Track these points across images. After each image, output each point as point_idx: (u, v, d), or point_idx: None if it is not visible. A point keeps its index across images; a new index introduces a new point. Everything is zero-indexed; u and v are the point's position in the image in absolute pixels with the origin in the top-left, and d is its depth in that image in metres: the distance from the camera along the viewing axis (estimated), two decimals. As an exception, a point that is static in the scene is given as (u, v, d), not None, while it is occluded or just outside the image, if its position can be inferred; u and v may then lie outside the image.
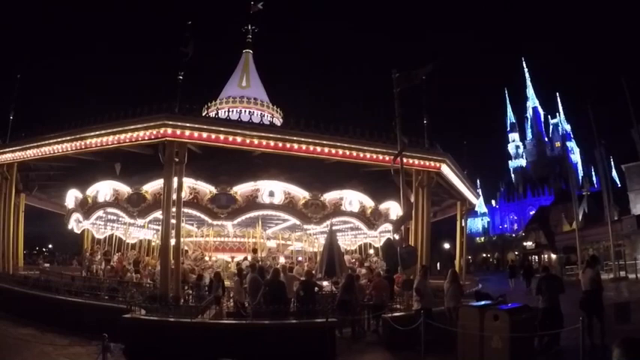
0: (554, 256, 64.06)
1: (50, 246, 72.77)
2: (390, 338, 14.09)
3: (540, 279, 13.83)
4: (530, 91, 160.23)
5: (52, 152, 20.63)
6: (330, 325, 13.04)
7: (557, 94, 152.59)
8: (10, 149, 22.60)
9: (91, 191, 22.17)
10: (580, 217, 51.22)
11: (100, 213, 22.30)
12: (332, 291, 17.75)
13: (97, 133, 18.56)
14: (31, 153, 21.61)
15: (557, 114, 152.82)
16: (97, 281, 19.73)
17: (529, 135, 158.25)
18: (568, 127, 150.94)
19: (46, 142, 20.62)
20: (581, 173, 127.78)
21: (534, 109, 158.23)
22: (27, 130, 22.32)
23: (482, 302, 13.20)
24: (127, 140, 17.86)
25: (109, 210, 21.81)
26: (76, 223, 24.90)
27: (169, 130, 16.76)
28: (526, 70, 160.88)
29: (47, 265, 34.27)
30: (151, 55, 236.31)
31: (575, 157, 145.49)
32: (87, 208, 22.43)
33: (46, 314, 16.21)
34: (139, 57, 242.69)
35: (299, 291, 15.40)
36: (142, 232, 26.32)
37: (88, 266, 23.95)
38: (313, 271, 19.22)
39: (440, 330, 12.04)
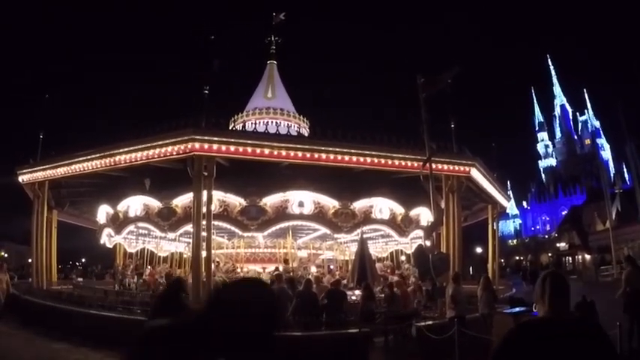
0: (588, 257, 63.13)
1: (83, 260, 73.64)
2: (423, 347, 13.91)
3: None
4: (557, 89, 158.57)
5: (82, 169, 20.89)
6: (363, 335, 12.94)
7: (585, 90, 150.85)
8: (41, 167, 22.99)
9: (121, 206, 22.41)
10: (613, 216, 50.47)
11: (132, 227, 22.52)
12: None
13: (126, 149, 18.81)
14: (61, 171, 21.97)
15: (586, 111, 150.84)
16: (129, 295, 19.86)
17: (558, 133, 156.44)
18: (597, 124, 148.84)
19: (76, 159, 20.91)
20: (612, 170, 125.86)
21: (562, 106, 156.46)
22: (57, 148, 22.71)
23: (517, 309, 12.96)
24: (156, 156, 18.03)
25: (140, 224, 22.02)
26: (107, 238, 25.17)
27: (197, 145, 16.87)
28: (552, 67, 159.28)
29: (80, 279, 34.58)
30: (177, 69, 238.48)
31: (606, 154, 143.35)
32: (118, 223, 22.67)
33: (79, 329, 16.26)
34: (165, 71, 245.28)
35: (323, 299, 15.20)
36: (173, 245, 26.42)
37: (121, 280, 24.15)
38: (344, 281, 19.11)
39: (474, 338, 11.86)
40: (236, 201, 20.09)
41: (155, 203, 20.99)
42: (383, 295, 17.25)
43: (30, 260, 27.87)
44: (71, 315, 17.42)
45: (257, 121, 27.82)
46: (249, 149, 17.49)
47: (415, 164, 19.07)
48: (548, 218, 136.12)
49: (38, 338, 16.35)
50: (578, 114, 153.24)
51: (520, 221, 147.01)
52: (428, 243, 18.35)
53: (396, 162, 19.60)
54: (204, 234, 17.18)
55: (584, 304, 12.96)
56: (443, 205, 20.48)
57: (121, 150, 18.99)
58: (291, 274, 19.56)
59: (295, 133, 26.01)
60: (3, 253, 68.40)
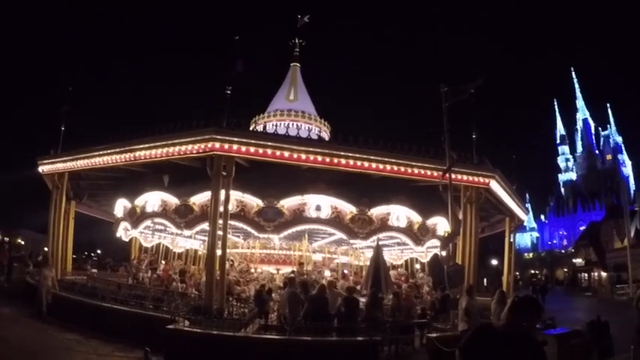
0: (604, 274, 62.35)
1: (99, 251, 74.19)
2: (433, 359, 13.82)
3: None
4: (580, 103, 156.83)
5: (101, 163, 21.12)
6: (373, 343, 12.88)
7: (608, 105, 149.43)
8: (62, 159, 23.28)
9: (139, 201, 22.49)
10: (632, 234, 49.70)
11: (148, 222, 22.59)
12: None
13: (146, 145, 18.97)
14: (81, 163, 22.27)
15: (608, 126, 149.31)
16: (142, 289, 19.90)
17: (579, 148, 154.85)
18: (619, 139, 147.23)
19: (96, 153, 21.15)
20: (633, 187, 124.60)
21: (584, 120, 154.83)
22: (77, 141, 22.88)
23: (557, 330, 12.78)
24: (176, 153, 18.13)
25: (157, 220, 22.07)
26: (124, 232, 25.27)
27: (217, 145, 16.90)
28: (575, 81, 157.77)
29: (95, 270, 34.75)
30: (200, 69, 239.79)
31: (627, 170, 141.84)
32: (135, 217, 22.77)
33: (91, 320, 16.48)
34: (188, 70, 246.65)
35: (340, 307, 15.10)
36: (188, 241, 26.53)
37: (135, 274, 24.23)
38: (358, 287, 19.05)
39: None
40: (253, 202, 20.08)
41: (173, 200, 21.01)
42: (390, 304, 17.20)
43: (46, 249, 28.06)
44: (84, 306, 17.58)
45: (278, 123, 27.81)
46: (269, 151, 17.47)
47: (435, 173, 18.95)
48: (565, 233, 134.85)
49: (51, 328, 16.52)
50: (600, 129, 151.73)
51: (537, 235, 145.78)
52: (444, 253, 18.15)
53: (416, 170, 19.45)
54: (220, 233, 17.19)
55: (597, 323, 12.78)
56: (461, 216, 20.30)
57: (141, 146, 19.16)
58: (305, 277, 19.54)
59: (316, 137, 25.91)
60: (19, 240, 68.91)
